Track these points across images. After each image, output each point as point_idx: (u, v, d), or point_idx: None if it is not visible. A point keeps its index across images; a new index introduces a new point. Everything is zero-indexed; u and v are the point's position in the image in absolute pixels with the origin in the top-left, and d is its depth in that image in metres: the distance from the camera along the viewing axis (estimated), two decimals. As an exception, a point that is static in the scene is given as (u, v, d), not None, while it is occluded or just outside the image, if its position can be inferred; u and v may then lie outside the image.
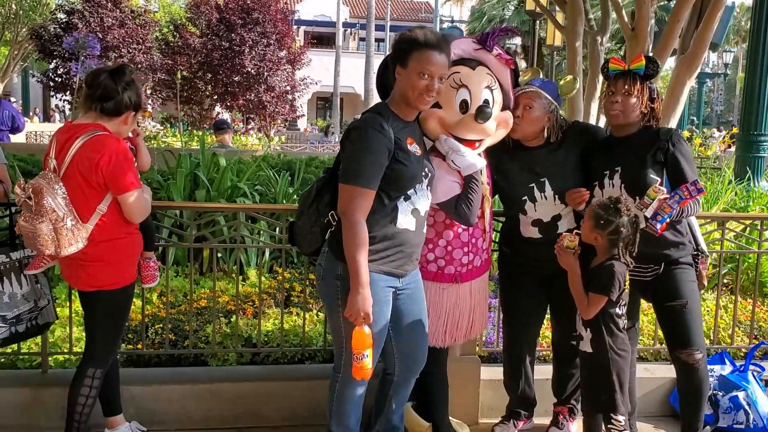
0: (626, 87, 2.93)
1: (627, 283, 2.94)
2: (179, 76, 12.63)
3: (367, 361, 2.51)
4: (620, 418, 2.84)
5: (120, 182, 2.69)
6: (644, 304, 3.56)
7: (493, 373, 3.58)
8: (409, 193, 2.66)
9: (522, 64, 18.02)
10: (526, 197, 3.08)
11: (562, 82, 3.19)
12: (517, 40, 30.07)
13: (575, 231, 2.86)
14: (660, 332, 3.45)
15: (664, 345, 3.56)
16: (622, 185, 2.95)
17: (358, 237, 2.49)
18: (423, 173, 2.71)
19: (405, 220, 2.66)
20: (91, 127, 2.72)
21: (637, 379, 3.35)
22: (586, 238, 2.84)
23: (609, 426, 2.88)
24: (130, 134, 2.98)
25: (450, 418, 3.21)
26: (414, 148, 2.68)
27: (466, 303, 3.06)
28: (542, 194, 3.05)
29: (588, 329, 2.86)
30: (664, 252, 2.97)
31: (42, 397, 3.22)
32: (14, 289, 2.95)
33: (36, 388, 3.25)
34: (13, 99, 18.37)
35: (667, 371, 3.74)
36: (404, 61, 2.62)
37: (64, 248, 2.63)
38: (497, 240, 3.57)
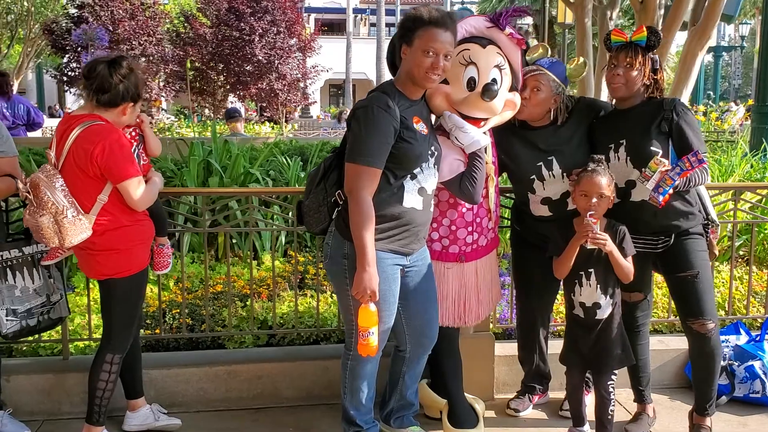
0: (628, 59, 2.91)
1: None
2: (189, 65, 12.66)
3: (372, 339, 2.54)
4: (617, 372, 3.04)
5: (115, 171, 2.70)
6: (657, 277, 3.56)
7: (508, 349, 3.61)
8: (415, 171, 2.67)
9: (534, 43, 17.87)
10: (533, 176, 3.08)
11: (571, 66, 3.17)
12: (529, 20, 29.73)
13: (589, 214, 2.82)
14: (674, 304, 3.45)
15: (678, 317, 3.57)
16: (628, 158, 2.94)
17: (364, 215, 2.52)
18: (429, 152, 2.72)
19: (411, 199, 2.68)
20: (87, 118, 2.73)
21: (652, 351, 3.35)
22: (605, 209, 2.86)
23: (610, 383, 2.99)
24: (137, 121, 3.00)
25: (465, 394, 3.24)
26: (420, 126, 2.69)
27: (472, 283, 3.07)
28: (550, 172, 3.05)
29: (608, 295, 2.90)
30: (674, 223, 2.96)
31: (64, 382, 3.29)
32: (26, 283, 3.00)
33: (58, 374, 3.32)
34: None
35: (681, 343, 3.72)
36: (410, 39, 2.63)
37: (68, 239, 2.66)
38: (508, 217, 3.59)
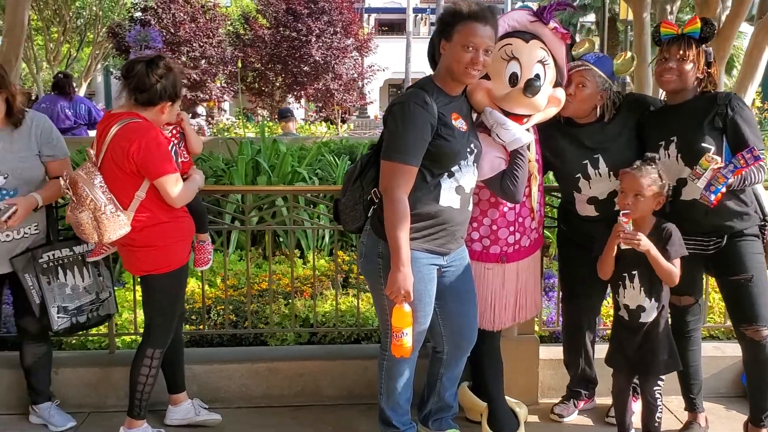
0: (681, 52, 2.78)
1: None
2: (239, 65, 12.84)
3: (406, 340, 2.49)
4: (664, 378, 2.92)
5: (152, 168, 2.73)
6: (714, 281, 3.41)
7: (554, 352, 3.52)
8: (452, 169, 2.62)
9: (596, 41, 17.48)
10: (579, 174, 2.98)
11: (618, 61, 3.06)
12: (591, 17, 29.19)
13: (622, 213, 2.72)
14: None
15: (734, 322, 3.42)
16: (678, 155, 2.82)
17: (398, 214, 2.47)
18: (468, 149, 2.66)
19: (448, 198, 2.62)
20: (125, 116, 2.77)
21: (707, 358, 3.22)
22: (648, 209, 2.75)
23: (656, 388, 2.88)
24: (177, 119, 3.03)
25: (508, 397, 3.17)
26: (459, 123, 2.64)
27: (513, 284, 2.99)
28: (596, 171, 2.95)
29: (653, 299, 2.79)
30: (727, 223, 2.82)
31: (110, 376, 3.36)
32: (77, 281, 3.08)
33: (104, 367, 3.40)
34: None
35: (738, 350, 3.48)
36: (449, 34, 2.58)
37: (107, 235, 2.70)
38: (555, 217, 3.50)
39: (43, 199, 2.92)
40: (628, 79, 11.73)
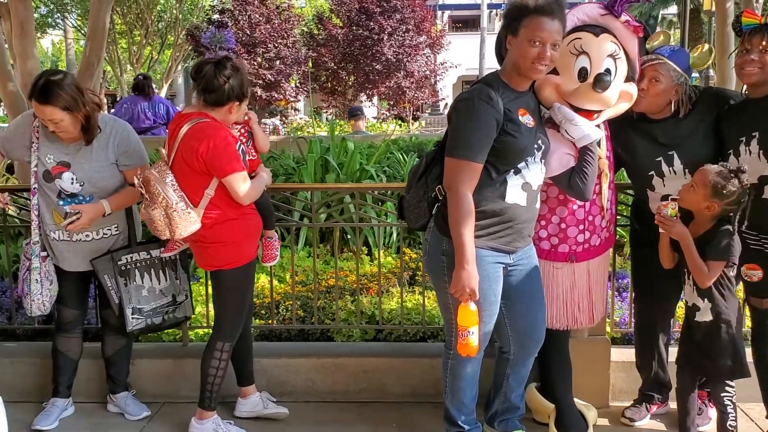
0: (763, 43, 2.64)
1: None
2: (310, 65, 13.04)
3: (472, 339, 2.46)
4: (734, 383, 2.82)
5: (219, 167, 2.78)
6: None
7: (626, 354, 3.42)
8: (519, 166, 2.57)
9: (677, 33, 16.84)
10: (653, 172, 2.88)
11: (695, 54, 2.94)
12: (673, 9, 28.20)
13: (671, 198, 2.68)
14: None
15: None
16: (761, 151, 2.68)
17: (463, 211, 2.44)
18: (535, 146, 2.61)
19: (515, 195, 2.58)
20: (194, 116, 2.83)
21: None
22: (695, 206, 2.68)
23: (723, 394, 2.80)
24: (245, 119, 3.09)
25: (576, 400, 3.10)
26: (526, 119, 2.59)
27: (584, 284, 2.92)
28: (670, 168, 2.85)
29: (705, 299, 2.71)
30: None
31: (183, 367, 3.47)
32: (153, 284, 3.18)
33: (177, 359, 3.51)
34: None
35: None
36: (515, 29, 2.53)
37: (178, 232, 2.77)
38: (628, 215, 3.39)
39: (111, 207, 3.01)
40: (712, 73, 11.26)
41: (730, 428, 2.80)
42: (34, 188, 3.03)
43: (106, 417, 3.33)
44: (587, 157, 2.70)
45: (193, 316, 3.74)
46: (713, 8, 13.41)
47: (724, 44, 6.47)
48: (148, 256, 3.17)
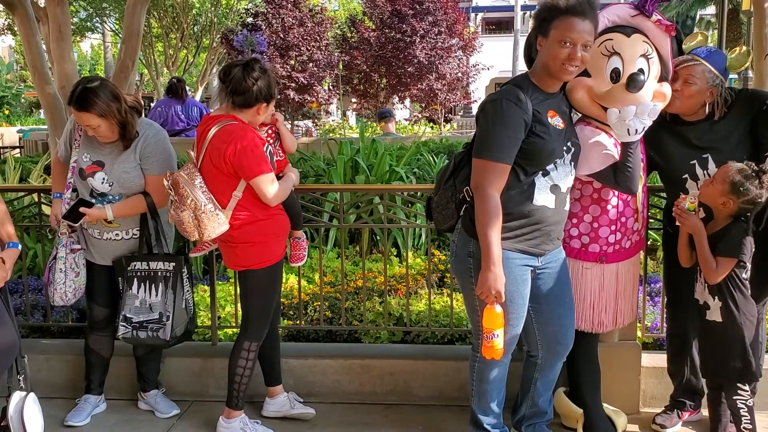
0: None
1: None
2: (340, 67, 13.07)
3: (497, 341, 2.44)
4: (747, 387, 2.78)
5: (246, 169, 2.79)
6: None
7: (658, 360, 3.36)
8: (548, 168, 2.55)
9: (714, 34, 16.51)
10: (686, 175, 2.84)
11: (732, 56, 2.88)
12: (711, 9, 27.70)
13: (692, 193, 2.68)
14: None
15: None
16: None
17: (490, 213, 2.43)
18: (565, 147, 2.58)
19: (543, 197, 2.55)
20: (222, 118, 2.85)
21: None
22: (711, 201, 2.67)
23: (736, 397, 2.76)
24: (272, 119, 3.11)
25: (606, 405, 3.06)
26: (556, 121, 2.56)
27: (612, 286, 2.89)
28: (705, 171, 2.80)
29: (716, 297, 2.69)
30: None
31: (211, 366, 3.50)
32: (145, 296, 3.10)
33: (206, 358, 3.54)
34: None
35: None
36: (545, 30, 2.50)
37: (207, 233, 2.79)
38: (660, 219, 3.34)
39: (114, 213, 3.03)
40: (750, 74, 11.01)
41: (744, 431, 2.76)
42: (69, 183, 3.11)
43: (137, 414, 3.38)
44: (630, 149, 2.65)
45: (223, 316, 3.79)
46: (752, 8, 13.14)
47: (762, 45, 6.31)
48: (146, 267, 3.12)
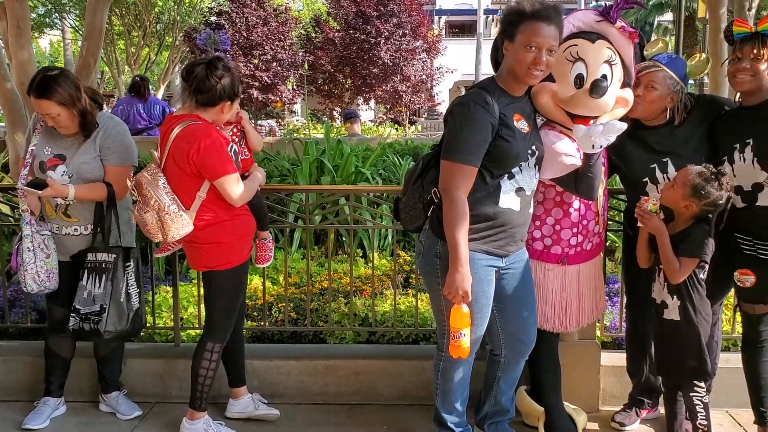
0: (754, 51, 2.67)
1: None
2: (305, 67, 13.06)
3: (463, 341, 2.47)
4: (703, 384, 2.83)
5: (210, 169, 2.78)
6: None
7: (616, 359, 3.44)
8: (513, 171, 2.59)
9: (672, 40, 16.91)
10: (647, 179, 2.90)
11: (692, 62, 2.96)
12: (669, 16, 28.33)
13: (652, 195, 2.74)
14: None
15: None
16: (755, 158, 2.70)
17: (458, 214, 2.46)
18: (529, 151, 2.62)
19: (508, 200, 2.59)
20: (186, 118, 2.83)
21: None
22: (673, 204, 2.73)
23: (693, 394, 2.83)
24: (237, 118, 3.09)
25: (566, 404, 3.11)
26: (521, 124, 2.60)
27: (574, 287, 2.94)
28: (664, 175, 2.87)
29: (675, 296, 2.75)
30: None
31: (174, 367, 3.47)
32: (91, 288, 3.02)
33: (169, 359, 3.50)
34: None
35: None
36: (511, 34, 2.53)
37: (171, 235, 2.77)
38: (619, 221, 3.41)
39: (75, 193, 2.97)
40: (706, 80, 11.30)
41: (701, 427, 2.83)
42: (24, 175, 3.04)
43: (98, 416, 3.33)
44: (592, 158, 2.70)
45: (185, 317, 3.76)
46: (707, 16, 13.48)
47: (717, 52, 6.49)
48: (94, 259, 3.06)
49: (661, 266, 2.80)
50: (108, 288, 3.03)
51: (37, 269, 3.01)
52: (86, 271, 3.04)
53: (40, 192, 2.92)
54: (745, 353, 2.96)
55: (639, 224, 2.80)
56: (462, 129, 2.51)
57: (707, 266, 2.74)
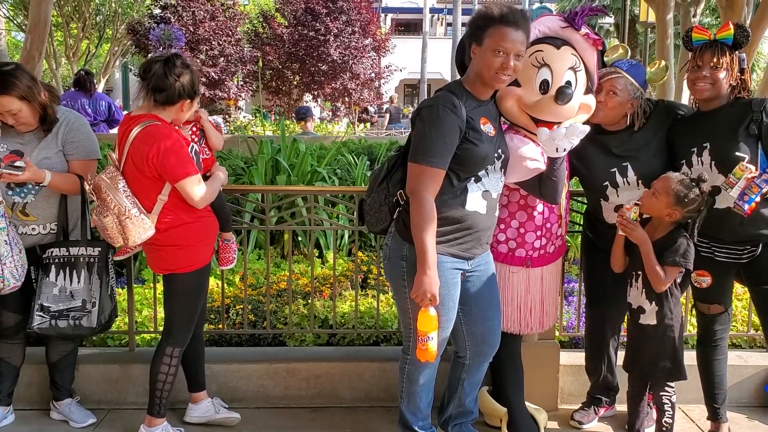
0: (714, 59, 2.74)
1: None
2: (260, 64, 12.90)
3: (431, 344, 2.47)
4: (673, 384, 2.91)
5: (170, 172, 2.71)
6: (737, 288, 3.37)
7: (574, 358, 3.50)
8: (479, 174, 2.59)
9: (613, 43, 17.33)
10: (607, 182, 2.95)
11: (652, 69, 3.02)
12: (610, 19, 28.99)
13: (633, 202, 2.77)
14: (755, 318, 3.25)
15: (759, 331, 3.37)
16: (712, 162, 2.78)
17: (425, 217, 2.45)
18: (496, 154, 2.63)
19: (475, 203, 2.60)
20: (144, 119, 2.75)
21: (730, 367, 3.16)
22: (656, 213, 2.77)
23: (663, 393, 2.91)
24: (195, 116, 3.02)
25: (527, 403, 3.15)
26: (488, 128, 2.60)
27: (537, 289, 2.98)
28: (624, 179, 2.92)
29: (653, 302, 2.81)
30: (762, 232, 2.78)
31: (130, 373, 3.37)
32: (65, 283, 2.94)
33: (124, 364, 3.40)
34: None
35: (761, 359, 3.56)
36: (480, 38, 2.54)
37: (132, 239, 2.69)
38: (580, 223, 3.46)
39: (51, 180, 2.86)
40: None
41: (665, 425, 2.91)
42: None
43: (49, 425, 3.20)
44: (556, 162, 2.73)
45: (140, 320, 3.65)
46: (649, 19, 13.85)
47: (664, 57, 6.69)
48: (66, 253, 2.96)
49: (638, 272, 2.83)
50: (96, 282, 2.96)
51: (15, 263, 2.85)
52: (53, 266, 2.92)
53: (19, 174, 2.77)
54: (700, 351, 3.05)
55: (619, 233, 2.82)
56: (430, 132, 2.50)
57: (687, 271, 2.79)
